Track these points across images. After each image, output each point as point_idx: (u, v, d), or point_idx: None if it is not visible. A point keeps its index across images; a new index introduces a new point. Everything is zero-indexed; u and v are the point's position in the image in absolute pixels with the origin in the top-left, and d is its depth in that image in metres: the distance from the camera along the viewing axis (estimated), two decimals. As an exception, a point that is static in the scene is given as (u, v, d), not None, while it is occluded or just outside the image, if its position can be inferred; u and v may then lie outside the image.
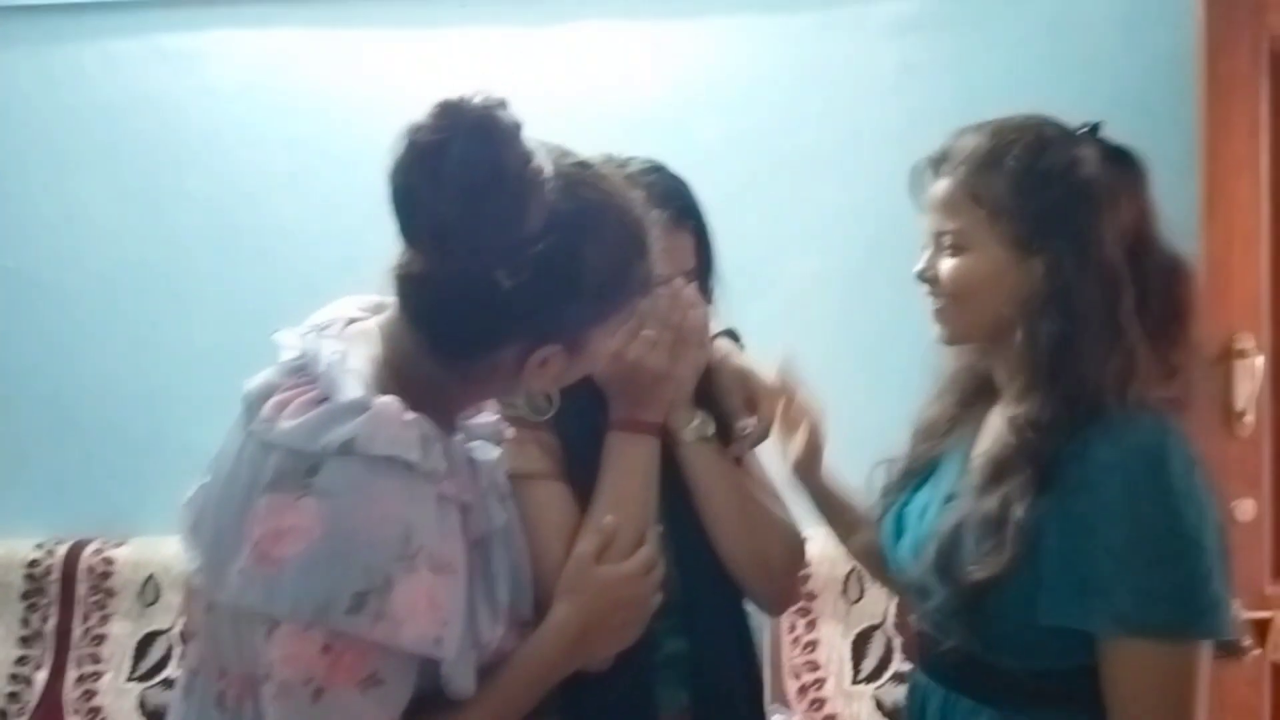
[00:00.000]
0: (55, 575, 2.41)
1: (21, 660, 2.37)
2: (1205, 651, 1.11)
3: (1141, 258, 1.21)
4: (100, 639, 2.37)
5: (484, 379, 1.03)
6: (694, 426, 1.27)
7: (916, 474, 1.36)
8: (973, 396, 1.33)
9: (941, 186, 1.25)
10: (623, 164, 1.23)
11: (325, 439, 0.92)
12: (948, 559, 1.18)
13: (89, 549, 2.43)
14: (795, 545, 1.34)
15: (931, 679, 1.30)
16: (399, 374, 1.01)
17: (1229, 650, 1.15)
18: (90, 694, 2.34)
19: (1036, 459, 1.13)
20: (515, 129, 0.94)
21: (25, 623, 2.40)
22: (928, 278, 1.27)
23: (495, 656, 1.06)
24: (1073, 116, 2.43)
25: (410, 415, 0.96)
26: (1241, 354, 2.22)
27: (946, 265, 1.24)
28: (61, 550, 2.43)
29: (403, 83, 2.48)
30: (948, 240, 1.24)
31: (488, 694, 1.03)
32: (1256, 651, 2.24)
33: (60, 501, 2.58)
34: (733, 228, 2.53)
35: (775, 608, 1.38)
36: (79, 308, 2.59)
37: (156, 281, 2.56)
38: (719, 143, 2.50)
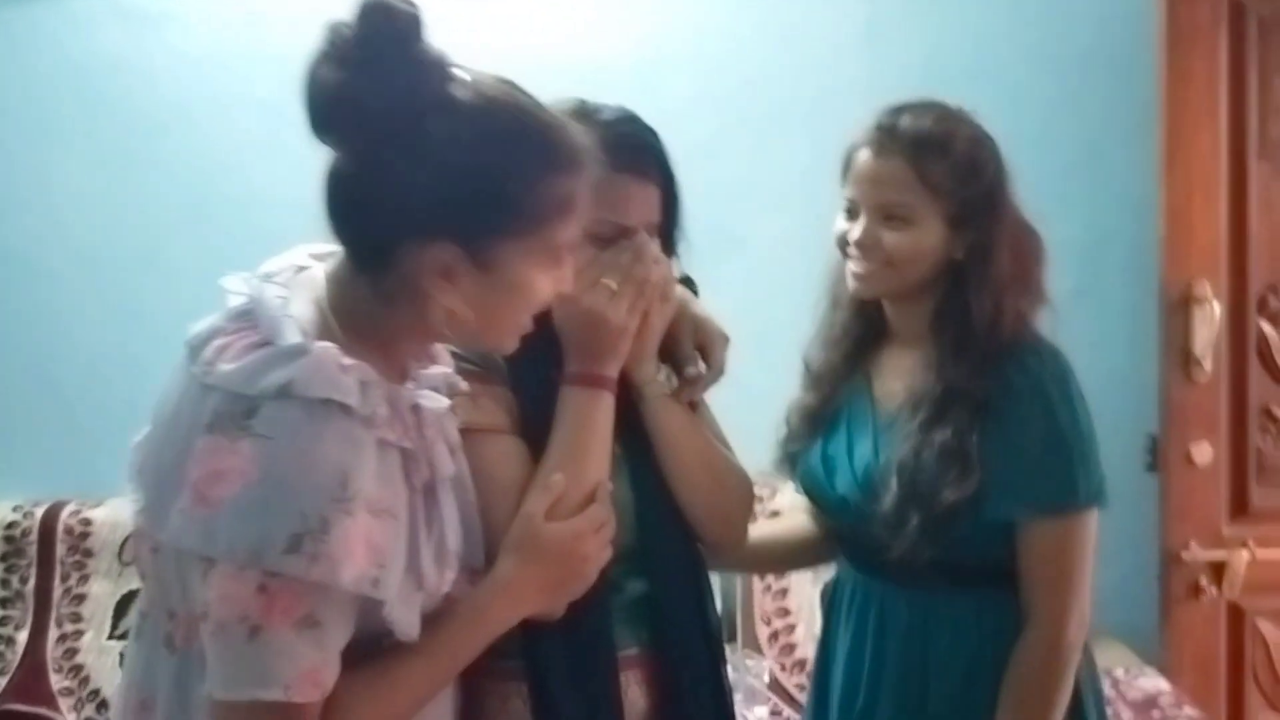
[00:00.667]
0: (33, 536, 2.42)
1: (2, 621, 2.39)
2: (1095, 517, 1.40)
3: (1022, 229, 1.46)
4: (80, 598, 2.39)
5: (403, 299, 1.02)
6: (660, 381, 1.28)
7: (823, 420, 1.50)
8: (863, 344, 1.50)
9: (891, 163, 1.39)
10: (595, 110, 1.22)
11: (263, 382, 0.93)
12: (913, 485, 1.35)
13: (66, 510, 2.44)
14: (750, 492, 1.37)
15: (889, 584, 1.45)
16: (342, 317, 1.02)
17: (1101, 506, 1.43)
18: (72, 652, 2.36)
19: (976, 394, 1.36)
20: (422, 23, 0.96)
21: (5, 584, 2.41)
22: (866, 244, 1.39)
23: (446, 603, 1.08)
24: (1037, 70, 2.48)
25: (349, 361, 0.97)
26: (1200, 301, 2.27)
27: (891, 236, 1.38)
28: (39, 512, 2.44)
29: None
30: (893, 212, 1.38)
31: (429, 641, 1.05)
32: (1214, 591, 2.31)
33: (38, 465, 2.59)
34: (701, 186, 2.54)
35: (728, 549, 1.40)
36: (55, 274, 2.58)
37: (132, 247, 2.55)
38: (687, 100, 2.51)
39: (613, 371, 1.21)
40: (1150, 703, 2.11)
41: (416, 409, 1.07)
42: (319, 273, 1.06)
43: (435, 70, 0.97)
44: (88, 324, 2.57)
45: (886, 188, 1.38)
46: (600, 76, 2.51)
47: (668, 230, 1.28)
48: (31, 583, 2.41)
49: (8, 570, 2.42)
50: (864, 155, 1.41)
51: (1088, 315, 2.38)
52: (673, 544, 1.29)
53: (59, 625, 2.38)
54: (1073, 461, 1.36)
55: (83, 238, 2.59)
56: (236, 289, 1.04)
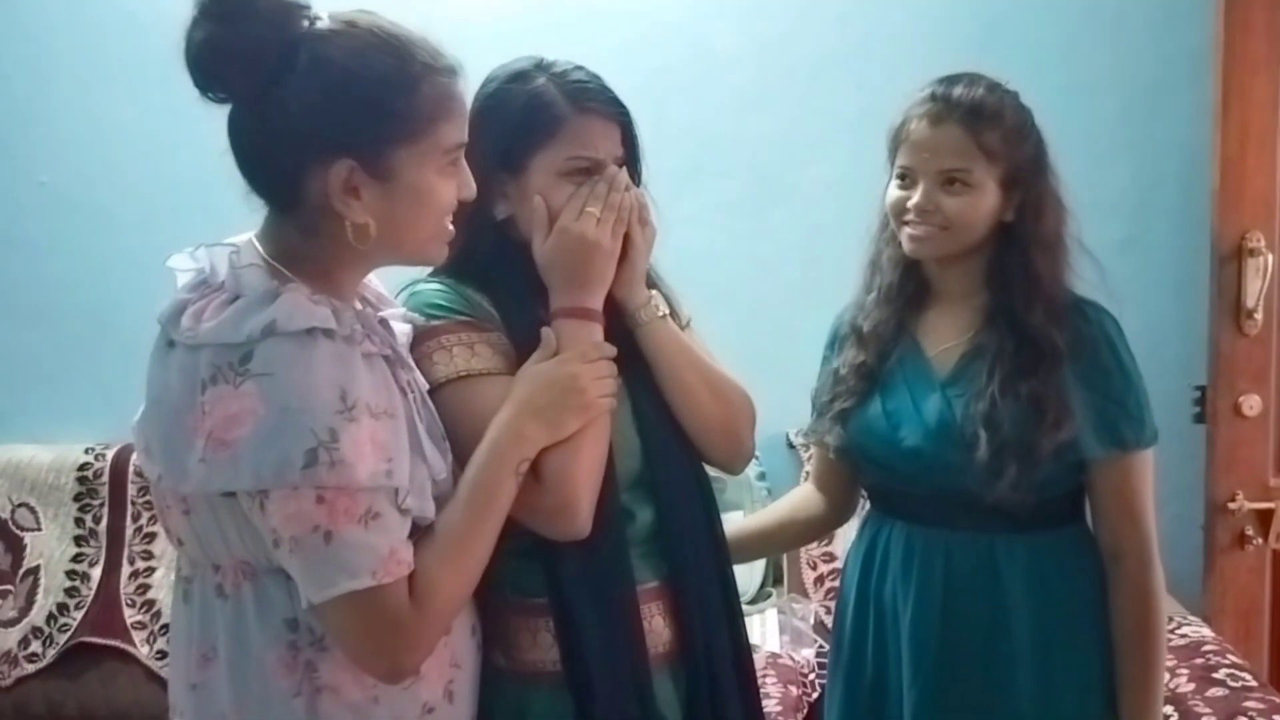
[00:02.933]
0: (105, 477, 2.52)
1: (78, 558, 2.50)
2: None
3: None
4: (151, 536, 2.49)
5: (323, 226, 1.10)
6: (652, 304, 1.33)
7: (876, 378, 1.55)
8: (912, 303, 1.56)
9: (949, 130, 1.45)
10: (551, 64, 1.31)
11: (248, 327, 1.02)
12: (1006, 435, 1.42)
13: (136, 452, 2.53)
14: (752, 407, 1.42)
15: (955, 532, 1.50)
16: (282, 263, 1.10)
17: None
18: (144, 588, 2.46)
19: (1056, 344, 1.45)
20: None
21: (79, 522, 2.51)
22: (926, 209, 1.45)
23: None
24: (1089, 16, 2.45)
25: (316, 295, 1.06)
26: (1253, 252, 2.26)
27: (950, 201, 1.45)
28: (110, 454, 2.55)
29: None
30: (952, 176, 1.45)
31: (463, 494, 1.14)
32: (1259, 541, 2.32)
33: (105, 409, 2.67)
34: (749, 134, 2.59)
35: (739, 466, 1.45)
36: (115, 222, 2.66)
37: (190, 194, 2.58)
38: (734, 49, 2.51)
39: (597, 302, 1.27)
40: (1194, 650, 2.13)
41: (385, 323, 1.17)
42: (245, 238, 1.15)
43: (295, 8, 1.07)
44: (143, 268, 2.60)
45: (945, 154, 1.45)
46: (646, 29, 2.54)
47: (632, 165, 1.34)
48: (104, 522, 2.51)
49: (81, 510, 2.52)
50: (919, 125, 1.46)
51: (1137, 265, 2.38)
52: (679, 469, 1.35)
53: (131, 562, 2.48)
54: (1141, 402, 1.48)
55: (137, 183, 2.65)
56: (184, 264, 1.13)
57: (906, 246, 1.50)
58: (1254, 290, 2.26)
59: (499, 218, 1.30)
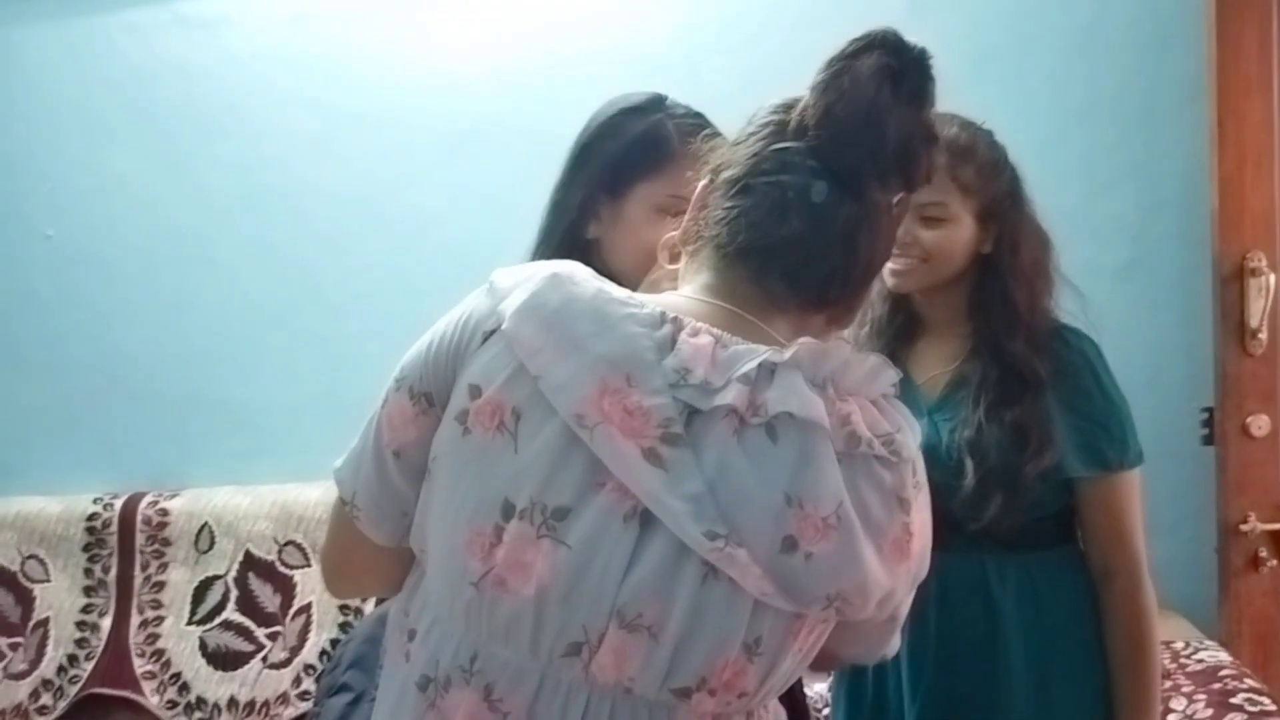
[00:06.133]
0: (114, 527, 2.52)
1: (87, 608, 2.50)
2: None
3: None
4: (160, 585, 2.49)
5: None
6: None
7: None
8: (901, 334, 1.62)
9: None
10: (670, 104, 1.38)
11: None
12: (991, 463, 1.45)
13: (144, 501, 2.54)
14: None
15: (945, 554, 1.44)
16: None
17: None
18: (154, 637, 2.46)
19: (1038, 372, 1.49)
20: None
21: (88, 573, 2.52)
22: (905, 242, 1.49)
23: None
24: (1084, 42, 2.46)
25: None
26: (1255, 272, 2.25)
27: (928, 234, 1.50)
28: (118, 503, 2.55)
29: (420, 39, 2.52)
30: (929, 211, 1.49)
31: None
32: (1274, 563, 2.30)
33: (111, 459, 2.69)
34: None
35: None
36: (119, 274, 2.69)
37: (191, 246, 2.64)
38: (728, 84, 2.51)
39: None
40: (1211, 675, 2.10)
41: None
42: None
43: None
44: (146, 318, 2.66)
45: (922, 189, 1.45)
46: (642, 62, 2.56)
47: None
48: (113, 571, 2.51)
49: (90, 560, 2.52)
50: None
51: (1141, 289, 2.38)
52: None
53: (140, 612, 2.48)
54: (1123, 423, 1.51)
55: (144, 238, 2.68)
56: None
57: (888, 280, 1.54)
58: (1257, 310, 2.25)
59: (589, 237, 1.34)
